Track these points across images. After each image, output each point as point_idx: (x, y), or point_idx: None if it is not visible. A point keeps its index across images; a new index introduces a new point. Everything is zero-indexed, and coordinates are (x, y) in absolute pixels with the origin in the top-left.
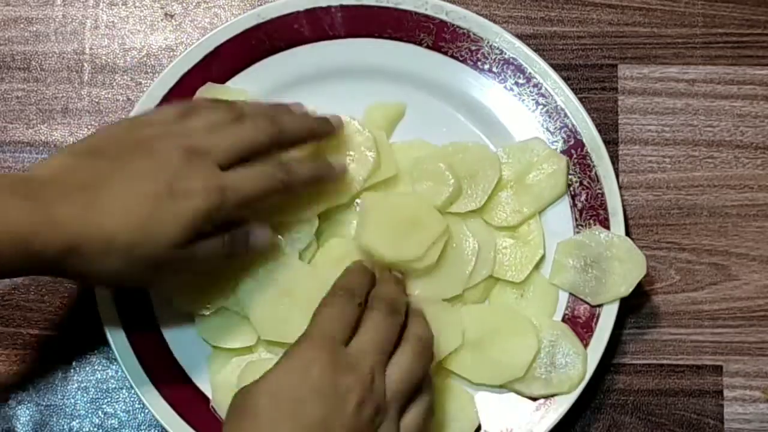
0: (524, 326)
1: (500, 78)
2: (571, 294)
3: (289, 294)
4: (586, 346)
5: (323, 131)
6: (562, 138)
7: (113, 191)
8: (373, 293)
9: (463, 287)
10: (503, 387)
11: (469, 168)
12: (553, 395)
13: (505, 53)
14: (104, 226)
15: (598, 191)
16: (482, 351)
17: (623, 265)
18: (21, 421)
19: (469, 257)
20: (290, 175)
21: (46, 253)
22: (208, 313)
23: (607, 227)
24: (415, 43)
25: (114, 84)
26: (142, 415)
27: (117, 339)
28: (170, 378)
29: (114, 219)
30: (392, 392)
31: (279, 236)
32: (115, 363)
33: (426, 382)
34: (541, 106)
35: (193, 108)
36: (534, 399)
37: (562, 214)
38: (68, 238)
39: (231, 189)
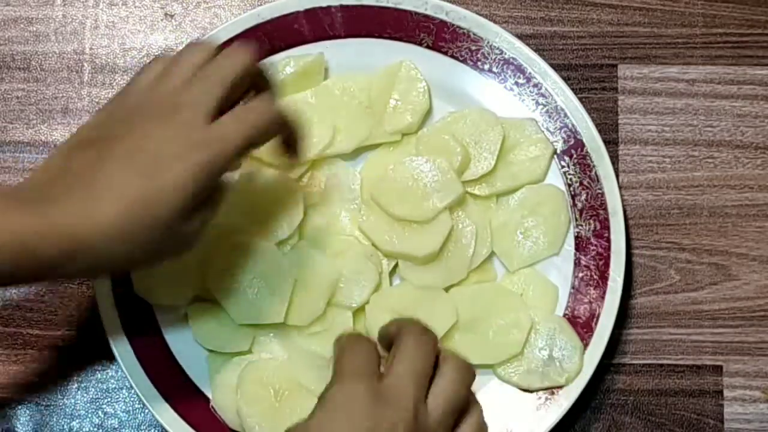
0: (515, 302)
1: (500, 78)
2: (570, 293)
3: (260, 277)
4: (586, 345)
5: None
6: (562, 138)
7: (104, 180)
8: (399, 324)
9: (467, 270)
10: (503, 380)
11: (472, 133)
12: (550, 388)
13: (505, 53)
14: (102, 218)
15: (598, 191)
16: (476, 332)
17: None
18: (21, 421)
19: (469, 240)
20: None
21: (48, 259)
22: (184, 304)
23: (607, 227)
24: (415, 43)
25: (114, 84)
26: (142, 415)
27: (117, 338)
28: (170, 378)
29: (110, 207)
30: (437, 421)
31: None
32: (115, 363)
33: (472, 400)
34: (541, 106)
35: (174, 60)
36: (532, 391)
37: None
38: (68, 240)
39: (218, 140)
